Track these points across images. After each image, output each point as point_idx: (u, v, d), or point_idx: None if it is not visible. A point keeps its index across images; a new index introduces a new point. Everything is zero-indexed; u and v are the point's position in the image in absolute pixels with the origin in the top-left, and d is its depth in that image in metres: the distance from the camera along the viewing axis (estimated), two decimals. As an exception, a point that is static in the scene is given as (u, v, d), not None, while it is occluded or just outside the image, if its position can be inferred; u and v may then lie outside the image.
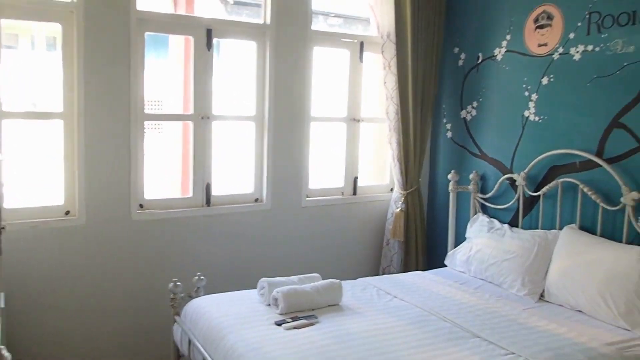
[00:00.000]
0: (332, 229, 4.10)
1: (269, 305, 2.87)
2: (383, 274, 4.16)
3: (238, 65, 4.02)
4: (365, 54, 4.13)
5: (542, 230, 3.36)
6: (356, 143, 4.19)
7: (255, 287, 3.03)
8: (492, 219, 3.73)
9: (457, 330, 2.68)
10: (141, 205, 3.42)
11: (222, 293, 3.08)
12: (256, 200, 3.82)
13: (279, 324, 2.65)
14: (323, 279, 3.10)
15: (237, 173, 4.05)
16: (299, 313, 2.78)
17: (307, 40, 3.82)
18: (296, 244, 3.96)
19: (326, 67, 4.18)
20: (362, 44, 4.10)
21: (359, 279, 3.45)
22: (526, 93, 3.56)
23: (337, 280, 3.03)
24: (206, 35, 3.52)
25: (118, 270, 3.36)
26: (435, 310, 2.91)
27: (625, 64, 2.99)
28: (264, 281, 2.96)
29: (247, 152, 3.84)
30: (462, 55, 4.04)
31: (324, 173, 4.30)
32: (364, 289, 3.25)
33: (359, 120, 4.16)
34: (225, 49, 4.45)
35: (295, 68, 3.80)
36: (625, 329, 2.71)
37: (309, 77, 3.88)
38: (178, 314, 3.00)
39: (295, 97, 3.82)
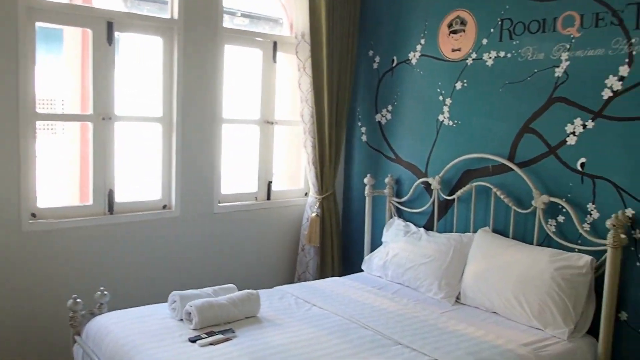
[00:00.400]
0: (246, 235, 3.93)
1: (182, 320, 2.67)
2: (299, 280, 4.06)
3: (143, 63, 3.75)
4: (279, 54, 4.00)
5: (457, 234, 3.40)
6: (270, 146, 4.05)
7: (165, 301, 2.82)
8: (407, 222, 3.73)
9: (379, 337, 2.62)
10: (33, 215, 3.08)
11: (128, 309, 2.83)
12: (164, 207, 3.58)
13: (193, 340, 2.47)
14: (239, 290, 2.95)
15: (143, 178, 3.78)
16: (215, 327, 2.61)
17: (218, 38, 3.63)
18: (209, 253, 3.76)
19: (239, 67, 4.01)
20: (275, 43, 3.97)
21: (275, 288, 3.32)
22: (440, 97, 3.60)
23: (255, 291, 2.89)
24: (106, 28, 3.24)
25: (7, 288, 3.00)
26: (355, 317, 2.84)
27: (536, 70, 3.08)
28: (175, 294, 2.75)
29: (154, 155, 3.58)
30: (377, 59, 4.03)
31: (236, 178, 4.12)
32: (282, 297, 3.12)
33: (272, 123, 4.03)
34: (129, 44, 4.16)
35: (206, 67, 3.60)
36: (539, 328, 2.78)
37: (220, 77, 3.69)
38: (79, 334, 2.72)
39: (205, 97, 3.62)
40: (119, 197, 3.39)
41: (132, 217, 3.41)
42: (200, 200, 3.68)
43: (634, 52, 2.68)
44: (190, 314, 2.62)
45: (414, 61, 3.77)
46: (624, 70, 2.73)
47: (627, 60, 2.71)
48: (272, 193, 4.08)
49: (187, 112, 3.55)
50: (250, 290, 2.87)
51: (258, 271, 4.01)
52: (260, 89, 3.96)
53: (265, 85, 3.98)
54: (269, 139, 4.04)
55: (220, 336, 2.52)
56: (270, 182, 4.07)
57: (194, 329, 2.58)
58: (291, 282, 4.07)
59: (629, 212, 2.71)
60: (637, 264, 2.70)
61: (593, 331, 2.75)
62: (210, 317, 2.62)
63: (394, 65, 3.91)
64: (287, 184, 4.29)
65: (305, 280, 4.00)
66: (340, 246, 4.19)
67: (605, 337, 2.68)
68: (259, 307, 2.84)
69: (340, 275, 3.87)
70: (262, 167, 4.03)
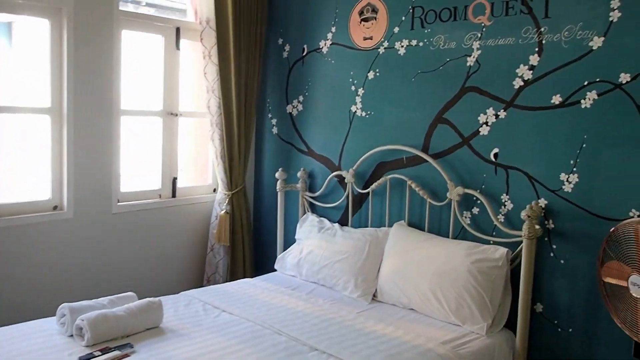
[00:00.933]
0: (149, 237, 3.63)
1: (72, 336, 2.37)
2: (208, 283, 3.81)
3: (27, 48, 3.34)
4: (182, 41, 3.72)
5: (372, 229, 3.29)
6: (174, 140, 3.76)
7: (54, 315, 2.50)
8: (321, 218, 3.59)
9: (293, 344, 2.45)
10: None
11: (9, 325, 2.51)
12: (55, 207, 3.21)
13: (85, 359, 2.18)
14: (140, 298, 2.68)
15: (29, 176, 3.37)
16: (111, 343, 2.34)
17: (114, 22, 3.30)
18: (107, 259, 3.42)
19: (139, 55, 3.68)
20: (178, 29, 3.68)
21: (182, 293, 3.06)
22: (353, 87, 3.47)
23: (157, 299, 2.63)
24: (-20, 7, 2.84)
25: None
26: (268, 322, 2.65)
27: (448, 59, 3.02)
28: (64, 307, 2.45)
29: (42, 150, 3.20)
30: (287, 47, 3.85)
31: (138, 174, 3.79)
32: (188, 304, 2.88)
33: (177, 115, 3.74)
34: (10, 28, 3.71)
35: (100, 53, 3.26)
36: (457, 324, 2.72)
37: (118, 65, 3.37)
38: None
39: (101, 87, 3.29)
40: (0, 198, 3.00)
41: (16, 220, 3.03)
42: (97, 200, 3.34)
43: (544, 41, 2.67)
44: (81, 328, 2.34)
45: (325, 50, 3.62)
46: (534, 59, 2.71)
47: (537, 49, 2.70)
48: (178, 190, 3.80)
49: (79, 103, 3.20)
50: (151, 299, 2.62)
51: (163, 276, 3.72)
52: (162, 78, 3.66)
53: (168, 74, 3.68)
54: (173, 132, 3.75)
55: (116, 353, 2.26)
56: (175, 179, 3.78)
57: (86, 346, 2.30)
58: (200, 284, 3.82)
59: (542, 202, 2.71)
60: (551, 254, 2.70)
61: (510, 324, 2.72)
62: (105, 331, 2.35)
63: (304, 54, 3.74)
64: (194, 180, 4.01)
65: (215, 282, 3.77)
66: (251, 245, 3.98)
67: (522, 330, 2.66)
68: (162, 317, 2.59)
69: (252, 276, 3.67)
70: (166, 162, 3.74)
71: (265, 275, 3.50)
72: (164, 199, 3.73)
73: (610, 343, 2.53)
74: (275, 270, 3.57)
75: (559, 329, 2.70)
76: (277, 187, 3.77)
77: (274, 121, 3.99)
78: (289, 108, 3.87)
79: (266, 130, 4.05)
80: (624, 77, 2.45)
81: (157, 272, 3.68)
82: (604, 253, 2.33)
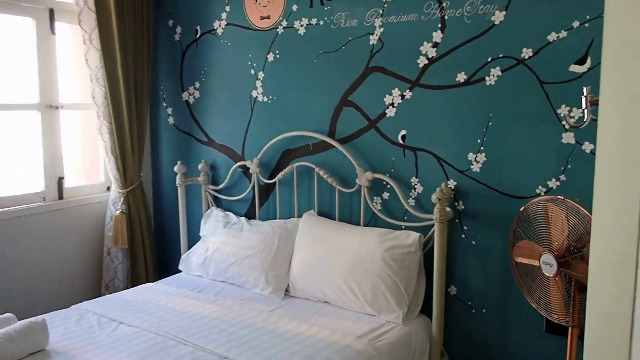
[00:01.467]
0: (33, 246, 3.24)
1: None
2: (107, 290, 3.48)
3: None
4: (58, 24, 3.32)
5: (281, 220, 3.12)
6: (57, 135, 3.37)
7: None
8: (227, 212, 3.36)
9: (201, 354, 2.24)
10: None
11: None
12: None
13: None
14: (20, 319, 2.35)
15: None
16: (-16, 377, 2.02)
17: (-29, 3, 2.87)
18: (-19, 274, 3.02)
19: (7, 41, 3.24)
20: (51, 11, 3.27)
21: (73, 307, 2.75)
22: (252, 71, 3.25)
23: (40, 318, 2.32)
24: None
25: None
26: (172, 332, 2.42)
27: (350, 38, 2.87)
28: None
29: None
30: (178, 29, 3.54)
31: (16, 176, 3.36)
32: (80, 319, 2.59)
33: (57, 107, 3.35)
34: None
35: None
36: (372, 315, 2.62)
37: (-21, 53, 2.94)
38: None
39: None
40: None
41: None
42: (-35, 209, 2.92)
43: (446, 17, 2.58)
44: (-55, 364, 2.00)
45: (220, 31, 3.36)
46: (437, 36, 2.62)
47: (439, 25, 2.61)
48: (65, 191, 3.42)
49: None
50: (33, 319, 2.31)
51: (52, 289, 3.34)
52: (37, 66, 3.25)
53: (43, 62, 3.27)
54: (55, 127, 3.35)
55: (-10, 388, 1.94)
56: (61, 178, 3.40)
57: (-48, 384, 1.97)
58: (98, 293, 3.48)
59: (452, 183, 2.64)
60: (462, 236, 2.65)
61: (425, 310, 2.66)
62: (-25, 364, 2.02)
63: (197, 36, 3.46)
64: (83, 179, 3.63)
65: (115, 289, 3.45)
66: (153, 246, 3.68)
67: (437, 315, 2.60)
68: (48, 338, 2.29)
69: (156, 279, 3.39)
70: (48, 161, 3.34)
71: (169, 277, 3.24)
72: (50, 202, 3.34)
73: (523, 321, 2.53)
74: (180, 271, 3.31)
75: (473, 310, 2.67)
76: (177, 182, 3.49)
77: (169, 110, 3.68)
78: (185, 95, 3.59)
79: (161, 121, 3.74)
80: (527, 52, 2.41)
81: (44, 285, 3.30)
82: (515, 233, 2.30)
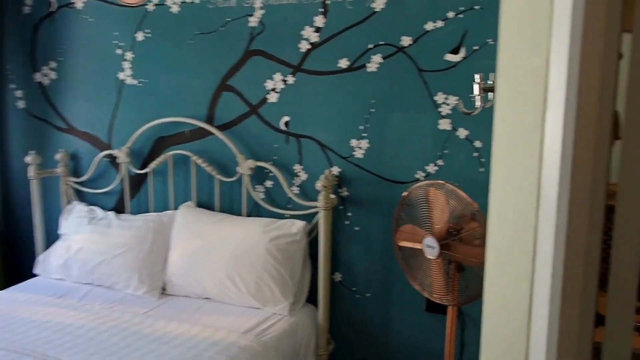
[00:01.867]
0: None
1: None
2: (-56, 301, 3.00)
3: None
4: None
5: (155, 213, 2.89)
6: None
7: None
8: (92, 206, 3.04)
9: (66, 368, 1.98)
10: None
11: None
12: None
13: None
14: None
15: None
16: None
17: None
18: None
19: None
20: None
21: None
22: (119, 51, 2.97)
23: None
24: None
25: None
26: (28, 348, 2.11)
27: (228, 19, 2.72)
28: None
29: None
30: (28, 1, 3.14)
31: None
32: None
33: None
34: None
35: None
36: (257, 308, 2.51)
37: None
38: None
39: None
40: None
41: None
42: None
43: (328, 1, 2.54)
44: None
45: (79, 5, 3.02)
46: (319, 21, 2.56)
47: (321, 9, 2.55)
48: None
49: None
50: None
51: None
52: None
53: None
54: None
55: None
56: None
57: None
58: None
59: (335, 170, 2.62)
60: (346, 222, 2.63)
61: (311, 298, 2.61)
62: None
63: (53, 10, 3.09)
64: None
65: (-46, 300, 2.97)
66: (1, 248, 3.24)
67: (323, 303, 2.57)
68: None
69: (6, 287, 2.98)
70: None
71: (23, 283, 2.86)
72: None
73: (405, 302, 2.58)
74: (36, 275, 2.95)
75: (358, 295, 2.67)
76: (30, 175, 3.10)
77: (18, 93, 3.26)
78: (37, 76, 3.19)
79: (8, 105, 3.29)
80: (406, 40, 2.44)
81: None
82: (398, 217, 2.32)
